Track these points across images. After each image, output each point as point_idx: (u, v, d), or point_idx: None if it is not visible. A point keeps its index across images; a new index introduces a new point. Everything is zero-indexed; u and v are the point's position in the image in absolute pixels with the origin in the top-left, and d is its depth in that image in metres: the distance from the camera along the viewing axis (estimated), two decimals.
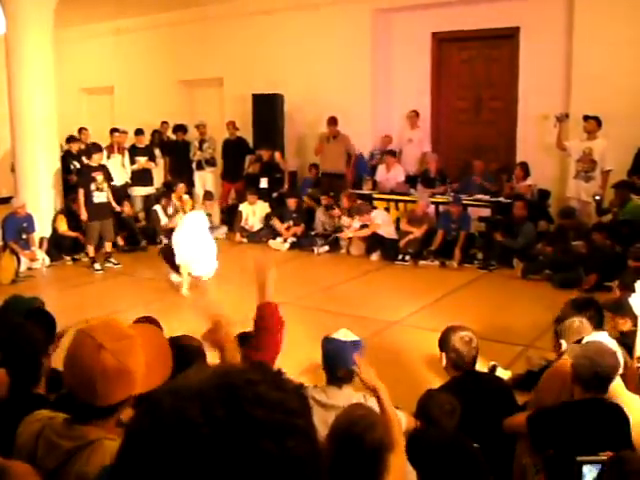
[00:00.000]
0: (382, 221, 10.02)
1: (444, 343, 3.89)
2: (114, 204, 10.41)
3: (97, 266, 9.69)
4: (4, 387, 2.78)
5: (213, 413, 0.75)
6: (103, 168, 10.02)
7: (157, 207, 11.54)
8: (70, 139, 12.05)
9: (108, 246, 10.03)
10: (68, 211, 10.40)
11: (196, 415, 0.75)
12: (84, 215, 9.77)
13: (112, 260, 9.95)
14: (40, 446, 1.99)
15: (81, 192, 9.76)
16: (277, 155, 12.04)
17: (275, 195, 11.97)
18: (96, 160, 9.91)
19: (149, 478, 0.75)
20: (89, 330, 1.95)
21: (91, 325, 2.00)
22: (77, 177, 10.49)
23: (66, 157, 11.65)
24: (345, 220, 10.47)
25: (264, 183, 11.92)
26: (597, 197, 9.07)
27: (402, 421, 3.70)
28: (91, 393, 1.90)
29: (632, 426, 3.06)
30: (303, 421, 0.80)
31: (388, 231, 10.01)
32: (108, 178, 10.05)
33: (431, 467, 2.38)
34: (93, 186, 9.70)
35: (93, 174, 9.74)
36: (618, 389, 3.35)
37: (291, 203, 11.39)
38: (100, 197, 9.81)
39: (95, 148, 10.37)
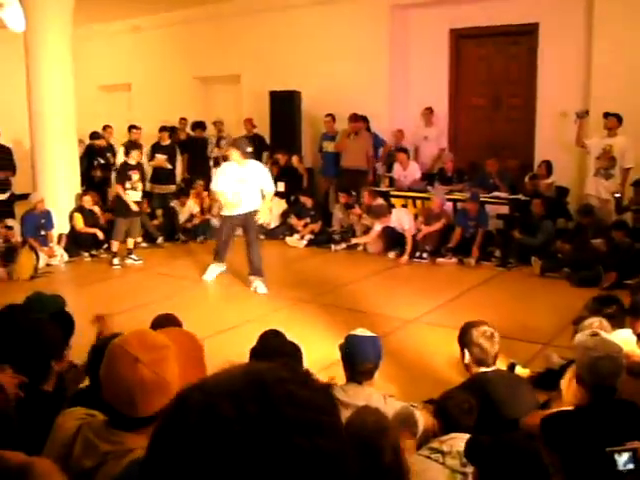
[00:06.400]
0: (408, 220, 9.94)
1: (465, 339, 3.84)
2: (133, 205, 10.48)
3: (116, 261, 9.74)
4: (13, 387, 2.78)
5: (245, 410, 0.75)
6: (140, 167, 10.07)
7: (174, 203, 11.60)
8: (93, 135, 12.10)
9: (131, 242, 10.05)
10: (83, 208, 10.48)
11: (228, 412, 0.75)
12: (126, 197, 9.87)
13: (133, 256, 9.97)
14: (77, 445, 2.00)
15: (119, 187, 9.86)
16: (294, 159, 12.05)
17: (293, 198, 11.99)
18: (134, 158, 9.94)
19: (180, 474, 0.75)
20: (123, 343, 1.96)
21: (124, 338, 2.01)
22: (117, 174, 10.49)
23: (89, 153, 11.73)
24: (367, 220, 10.41)
25: (281, 187, 11.92)
26: (617, 195, 8.99)
27: (418, 420, 3.70)
28: (130, 406, 1.93)
29: None
30: (332, 419, 0.80)
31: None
32: (143, 178, 10.14)
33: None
34: (128, 184, 9.74)
35: (130, 172, 9.79)
36: None
37: (308, 201, 11.39)
38: (133, 196, 9.83)
39: (133, 146, 10.43)
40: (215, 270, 8.77)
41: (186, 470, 0.74)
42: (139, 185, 9.90)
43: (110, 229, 10.34)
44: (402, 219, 9.92)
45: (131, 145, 10.68)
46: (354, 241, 10.49)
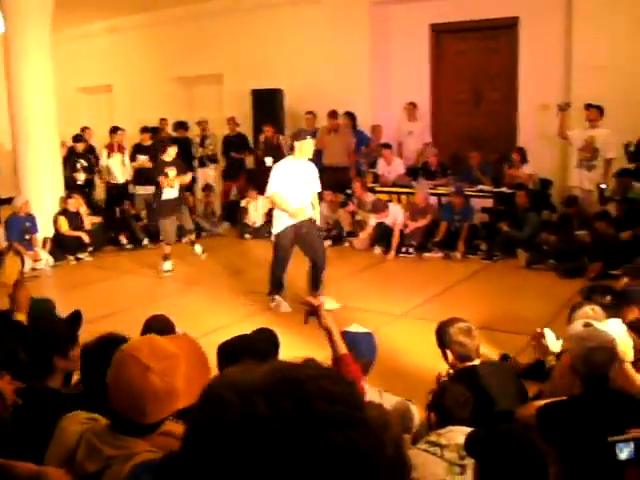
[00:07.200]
0: (401, 215, 9.95)
1: (444, 339, 3.85)
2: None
3: (167, 266, 9.26)
4: (11, 393, 2.77)
5: (281, 407, 0.77)
6: (176, 163, 9.41)
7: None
8: (77, 138, 12.01)
9: (191, 234, 9.76)
10: (67, 211, 10.42)
11: (265, 410, 0.76)
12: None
13: (197, 248, 9.66)
14: (81, 449, 2.00)
15: (161, 178, 9.24)
16: (282, 138, 12.05)
17: None
18: (170, 155, 9.26)
19: (219, 472, 0.76)
20: (133, 350, 1.96)
21: (133, 345, 2.01)
22: (152, 173, 9.94)
23: (70, 156, 11.66)
24: (362, 215, 10.41)
25: (269, 162, 11.93)
26: (603, 186, 9.06)
27: (414, 414, 3.72)
28: (140, 414, 1.93)
29: None
30: (362, 414, 0.82)
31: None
32: (181, 173, 9.51)
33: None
34: (165, 182, 9.16)
35: (166, 169, 9.19)
36: (628, 370, 3.37)
37: None
38: (170, 193, 9.20)
39: (170, 141, 10.00)
40: (284, 305, 7.42)
41: (226, 467, 0.75)
42: (176, 182, 9.22)
43: (99, 232, 10.33)
44: (397, 214, 9.95)
45: (166, 142, 10.14)
46: (362, 236, 10.33)
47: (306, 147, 7.14)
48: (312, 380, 0.81)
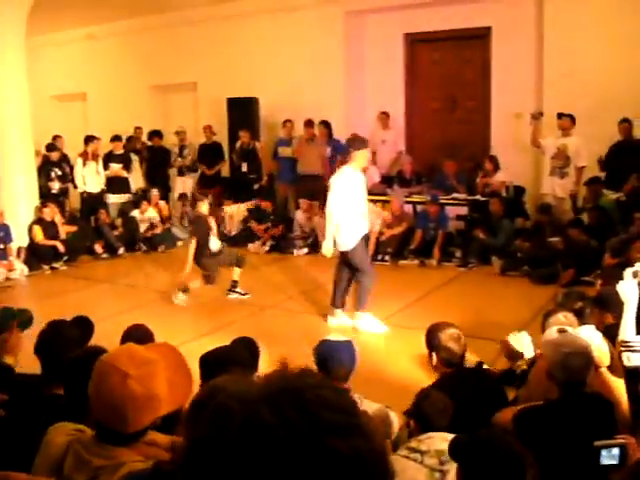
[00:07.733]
0: (378, 222, 10.02)
1: (433, 342, 3.91)
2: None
3: (181, 296, 8.20)
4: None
5: (285, 416, 0.79)
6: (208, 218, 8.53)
7: (135, 213, 11.52)
8: (50, 147, 11.93)
9: (236, 273, 8.39)
10: (42, 220, 10.33)
11: (270, 419, 0.78)
12: (189, 267, 8.20)
13: (238, 290, 8.39)
14: (68, 460, 2.01)
15: (194, 241, 8.21)
16: (258, 144, 12.16)
17: (257, 186, 12.02)
18: (204, 209, 8.39)
19: None
20: (111, 359, 1.98)
21: (112, 354, 2.03)
22: (191, 225, 9.23)
23: (45, 165, 11.59)
24: None
25: (244, 167, 11.99)
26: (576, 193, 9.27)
27: (393, 420, 3.76)
28: (122, 422, 1.94)
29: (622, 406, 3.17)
30: (360, 420, 0.85)
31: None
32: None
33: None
34: (210, 233, 8.32)
35: (210, 223, 8.40)
36: (604, 375, 3.43)
37: (268, 206, 11.45)
38: (215, 244, 8.34)
39: (202, 195, 9.28)
40: (374, 322, 7.01)
41: (231, 477, 0.77)
42: (215, 235, 8.41)
43: (74, 241, 10.25)
44: (374, 221, 10.00)
45: (200, 194, 9.61)
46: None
47: (363, 156, 6.89)
48: (312, 389, 0.83)
